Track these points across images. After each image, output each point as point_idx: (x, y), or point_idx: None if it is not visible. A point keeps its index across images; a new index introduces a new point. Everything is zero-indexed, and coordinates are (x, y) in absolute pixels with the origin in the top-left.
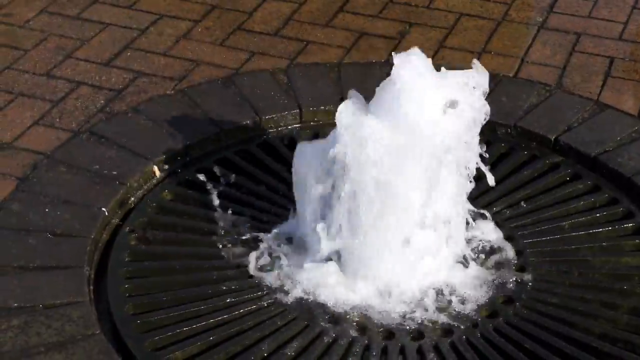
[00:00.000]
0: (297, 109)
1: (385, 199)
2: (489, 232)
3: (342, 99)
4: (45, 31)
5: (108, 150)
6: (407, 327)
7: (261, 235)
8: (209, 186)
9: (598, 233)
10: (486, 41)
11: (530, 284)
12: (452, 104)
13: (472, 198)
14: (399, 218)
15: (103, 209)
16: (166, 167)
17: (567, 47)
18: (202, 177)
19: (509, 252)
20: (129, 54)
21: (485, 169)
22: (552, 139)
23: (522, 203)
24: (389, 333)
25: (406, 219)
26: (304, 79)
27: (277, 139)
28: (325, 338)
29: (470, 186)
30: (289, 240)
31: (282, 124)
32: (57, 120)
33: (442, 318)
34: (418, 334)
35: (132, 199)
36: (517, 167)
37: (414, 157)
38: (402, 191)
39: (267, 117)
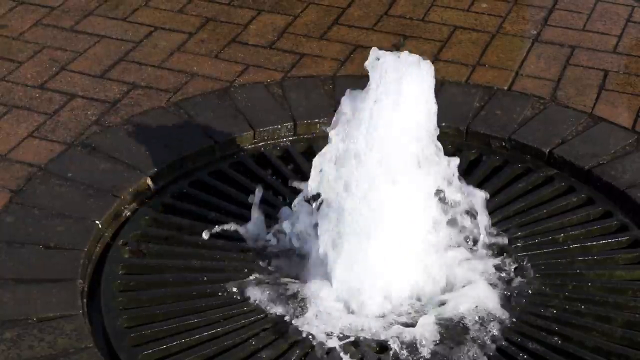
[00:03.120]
0: (292, 122)
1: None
2: (482, 243)
3: (335, 112)
4: (40, 43)
5: (102, 163)
6: (399, 339)
7: (255, 246)
8: (203, 199)
9: (592, 246)
10: (480, 54)
11: (524, 297)
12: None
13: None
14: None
15: (96, 221)
16: (160, 179)
17: (561, 60)
18: (196, 189)
19: (503, 264)
20: (123, 66)
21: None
22: (546, 152)
23: (516, 216)
24: (382, 346)
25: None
26: (298, 91)
27: (271, 152)
28: (319, 351)
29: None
30: (284, 251)
31: (276, 137)
32: (51, 132)
33: (436, 330)
34: (410, 345)
35: (126, 211)
36: (512, 180)
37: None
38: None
39: (261, 130)
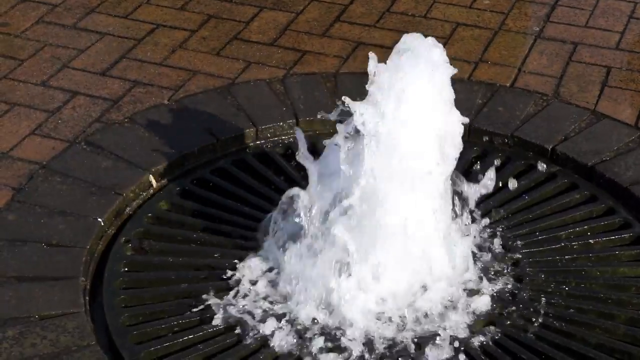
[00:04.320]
0: (294, 119)
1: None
2: (485, 242)
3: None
4: (42, 41)
5: (104, 160)
6: (404, 339)
7: (257, 245)
8: (205, 196)
9: (595, 243)
10: (483, 51)
11: (526, 294)
12: None
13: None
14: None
15: (99, 219)
16: (162, 177)
17: (564, 57)
18: (198, 187)
19: (506, 261)
20: (125, 63)
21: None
22: (549, 149)
23: (519, 213)
24: (386, 345)
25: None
26: (301, 88)
27: (274, 149)
28: (321, 349)
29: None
30: (285, 250)
31: (278, 134)
32: (53, 130)
33: (439, 329)
34: (415, 345)
35: (128, 209)
36: (514, 177)
37: None
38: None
39: (263, 127)
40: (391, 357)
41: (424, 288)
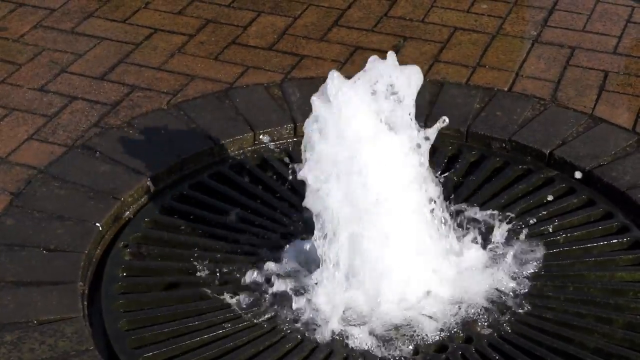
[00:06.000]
0: (292, 123)
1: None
2: (483, 245)
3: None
4: (40, 46)
5: (102, 165)
6: (400, 342)
7: (257, 249)
8: (203, 201)
9: (593, 247)
10: (480, 55)
11: (525, 298)
12: None
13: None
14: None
15: (97, 224)
16: (160, 181)
17: (561, 61)
18: (196, 191)
19: (504, 266)
20: (123, 68)
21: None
22: (547, 153)
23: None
24: (383, 346)
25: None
26: (299, 93)
27: (272, 153)
28: (319, 353)
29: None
30: (286, 252)
31: (276, 138)
32: (51, 135)
33: (436, 333)
34: (412, 349)
35: (127, 213)
36: (512, 181)
37: None
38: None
39: (261, 132)
40: None
41: (427, 293)
